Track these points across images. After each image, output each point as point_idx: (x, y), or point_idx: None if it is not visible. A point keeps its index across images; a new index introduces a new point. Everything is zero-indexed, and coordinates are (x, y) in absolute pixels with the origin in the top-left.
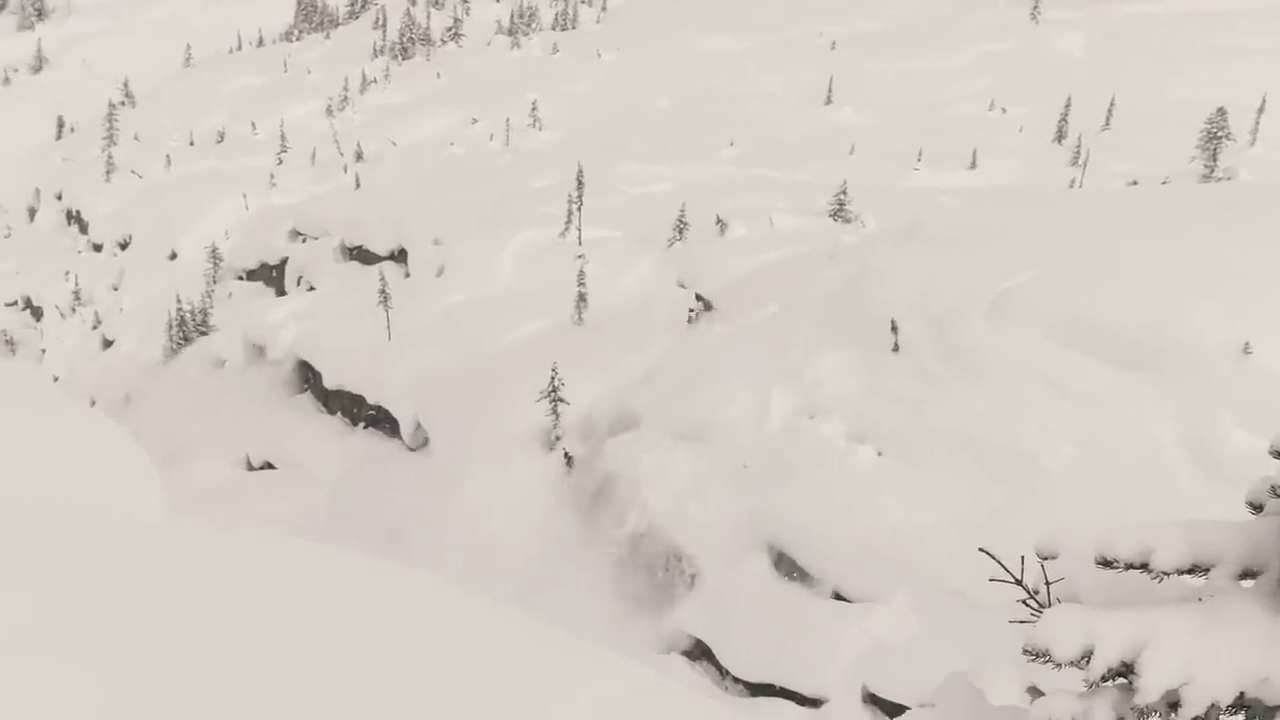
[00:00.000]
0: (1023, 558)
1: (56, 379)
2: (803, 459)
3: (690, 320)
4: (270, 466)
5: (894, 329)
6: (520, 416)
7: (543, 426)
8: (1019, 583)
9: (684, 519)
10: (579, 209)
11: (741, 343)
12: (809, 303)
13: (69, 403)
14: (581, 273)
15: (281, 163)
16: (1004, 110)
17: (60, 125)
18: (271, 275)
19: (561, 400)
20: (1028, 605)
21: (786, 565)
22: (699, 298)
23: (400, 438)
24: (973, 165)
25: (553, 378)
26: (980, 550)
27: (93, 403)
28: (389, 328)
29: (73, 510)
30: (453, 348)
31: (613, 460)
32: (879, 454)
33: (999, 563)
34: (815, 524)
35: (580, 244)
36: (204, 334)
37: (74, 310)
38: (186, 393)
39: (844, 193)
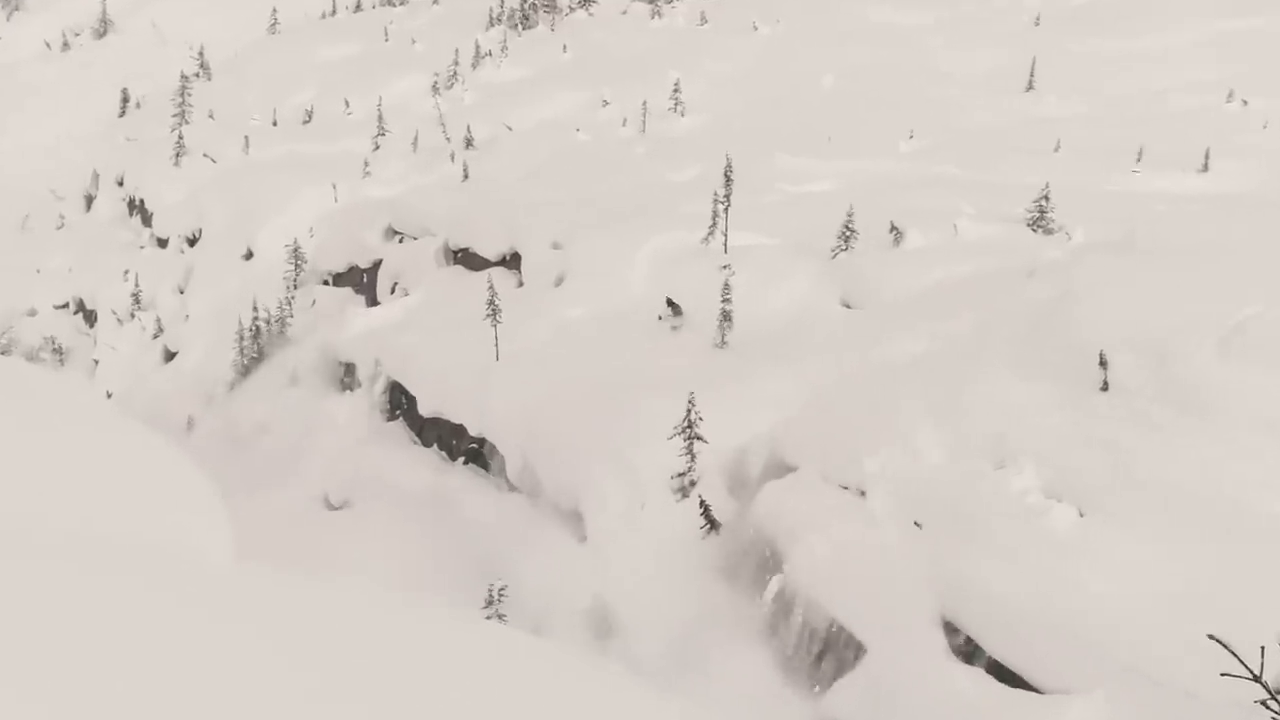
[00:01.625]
0: (1262, 648)
1: (110, 395)
2: (987, 517)
3: (854, 345)
4: (353, 505)
5: (1103, 363)
6: (649, 456)
7: (676, 469)
8: (1258, 679)
9: (846, 585)
10: (726, 209)
11: (917, 374)
12: (1000, 328)
13: (124, 422)
14: (727, 285)
15: (378, 148)
16: (1245, 102)
17: (125, 99)
18: (362, 280)
19: (699, 438)
20: (1269, 708)
21: (964, 644)
22: (866, 319)
23: (505, 476)
24: (1204, 168)
25: (689, 410)
26: (1209, 637)
27: (151, 424)
28: (497, 346)
29: (127, 545)
30: (570, 371)
31: (761, 512)
32: (1080, 514)
33: (1232, 653)
34: (1000, 596)
35: (726, 251)
36: (281, 346)
37: (133, 316)
38: (259, 416)
39: (1045, 197)
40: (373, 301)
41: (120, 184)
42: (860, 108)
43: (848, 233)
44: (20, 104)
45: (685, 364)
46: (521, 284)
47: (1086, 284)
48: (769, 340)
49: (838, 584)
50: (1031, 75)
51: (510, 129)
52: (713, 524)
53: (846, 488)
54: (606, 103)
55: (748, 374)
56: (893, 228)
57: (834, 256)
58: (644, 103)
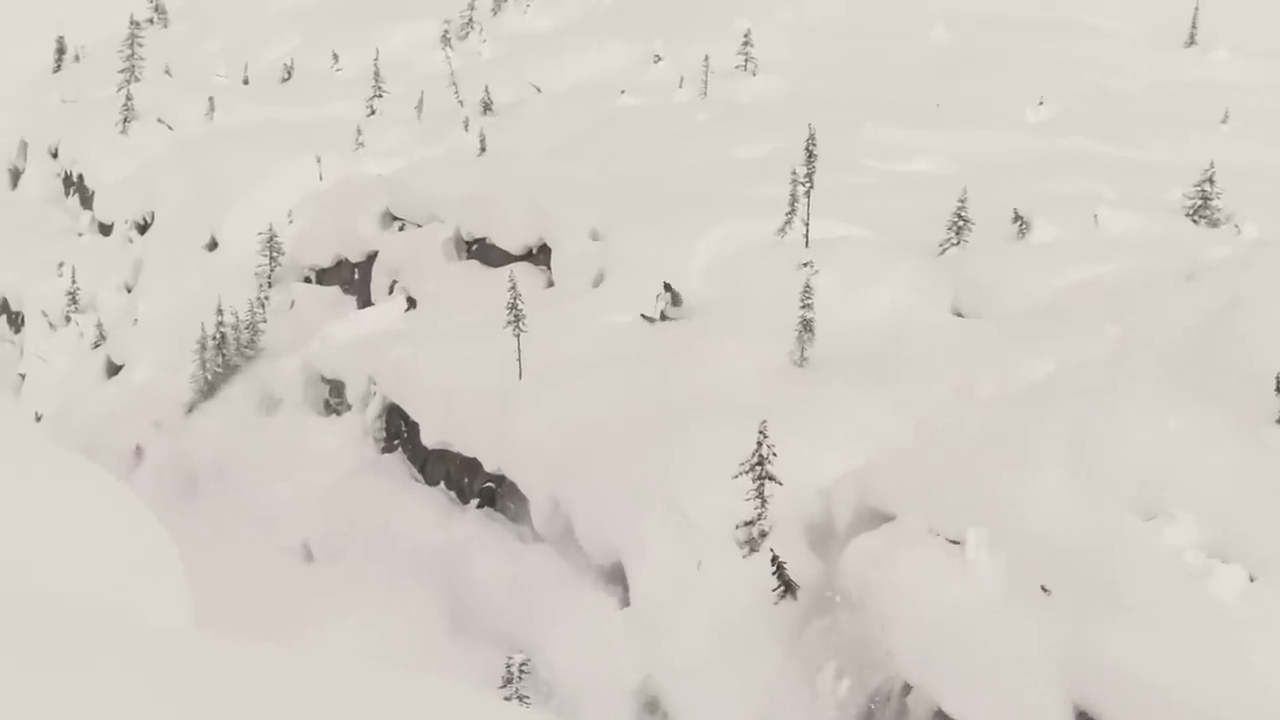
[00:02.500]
0: None
1: (39, 418)
2: (1132, 580)
3: (967, 365)
4: (338, 557)
5: None
6: (708, 501)
7: (742, 516)
8: None
9: (955, 666)
10: (807, 192)
11: (1046, 401)
12: (1150, 344)
13: (59, 454)
14: (808, 288)
15: (374, 112)
16: None
17: (60, 50)
18: (352, 277)
19: (771, 478)
20: None
21: None
22: (982, 331)
23: (529, 524)
24: None
25: (759, 443)
26: None
27: (91, 455)
28: (520, 361)
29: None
30: (612, 394)
31: (849, 572)
32: (1251, 578)
33: None
34: (1149, 678)
35: (807, 245)
36: (251, 358)
37: (68, 319)
38: (223, 446)
39: (1209, 180)
40: (365, 304)
41: (54, 155)
42: (977, 67)
43: (959, 223)
44: None
45: (755, 386)
46: (551, 283)
47: (1260, 292)
48: (859, 357)
49: (945, 664)
50: (1194, 27)
51: (539, 90)
52: (788, 586)
53: (957, 542)
54: (658, 58)
55: (833, 399)
56: (1016, 217)
57: (942, 252)
58: (705, 59)
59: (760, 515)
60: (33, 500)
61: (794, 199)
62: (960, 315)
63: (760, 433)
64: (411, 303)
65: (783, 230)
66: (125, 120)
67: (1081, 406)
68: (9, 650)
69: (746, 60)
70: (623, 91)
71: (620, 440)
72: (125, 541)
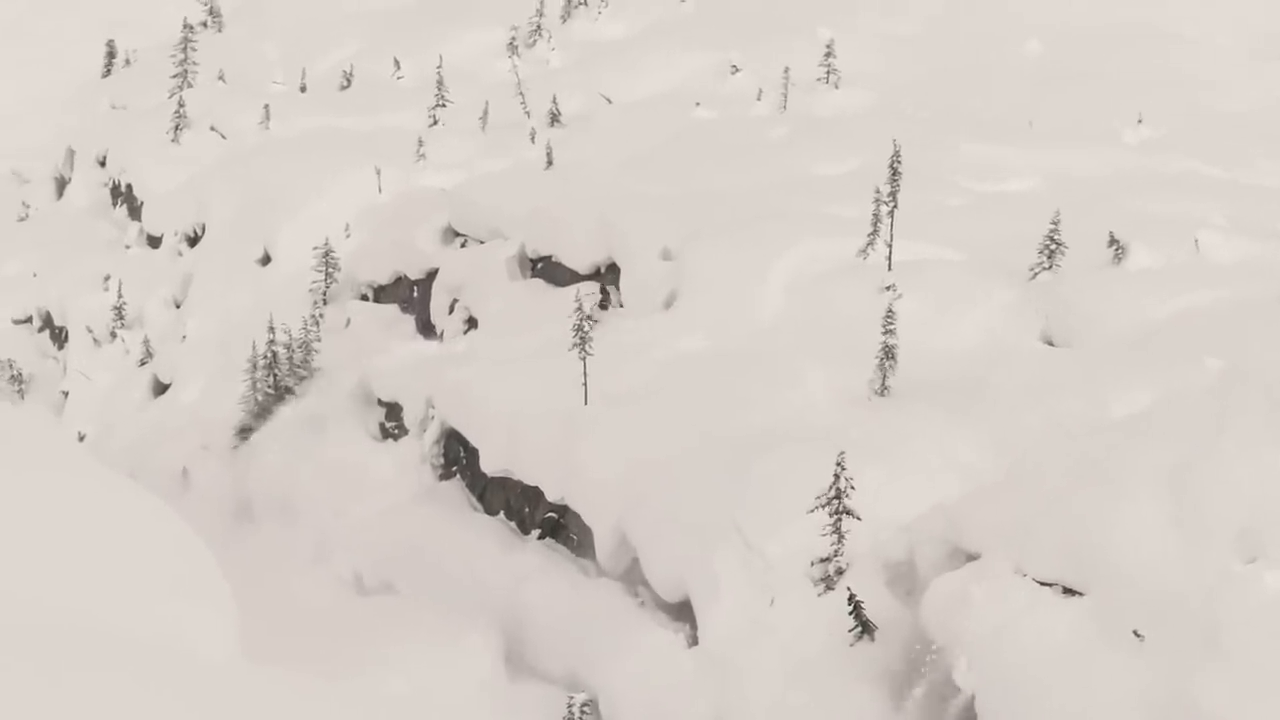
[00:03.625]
0: None
1: (83, 437)
2: (1234, 625)
3: (1060, 396)
4: (393, 589)
5: None
6: (782, 535)
7: (818, 553)
8: None
9: (1043, 713)
10: (891, 212)
11: (1144, 434)
12: (1255, 377)
13: (106, 476)
14: (891, 312)
15: (436, 122)
16: None
17: (110, 54)
18: (411, 295)
19: (849, 513)
20: None
21: None
22: (1076, 361)
23: (593, 557)
24: None
25: (837, 475)
26: None
27: (135, 477)
28: (586, 385)
29: (113, 637)
30: (682, 421)
31: (931, 614)
32: None
33: None
34: None
35: (890, 268)
36: (305, 379)
37: (114, 335)
38: (275, 471)
39: None
40: (425, 324)
41: (102, 164)
42: (1073, 82)
43: (1052, 246)
44: None
45: (833, 414)
46: (621, 304)
47: None
48: (944, 386)
49: (1031, 714)
50: None
51: (610, 101)
52: (866, 627)
53: (1047, 584)
54: (736, 69)
55: (916, 430)
56: (1113, 241)
57: (1033, 277)
58: (786, 70)
59: (837, 551)
60: (79, 525)
61: (877, 218)
62: (1051, 344)
63: (838, 464)
64: (472, 323)
65: (865, 251)
66: (176, 128)
67: (1180, 442)
68: (61, 682)
69: (829, 72)
70: (698, 103)
71: (691, 470)
72: (174, 570)
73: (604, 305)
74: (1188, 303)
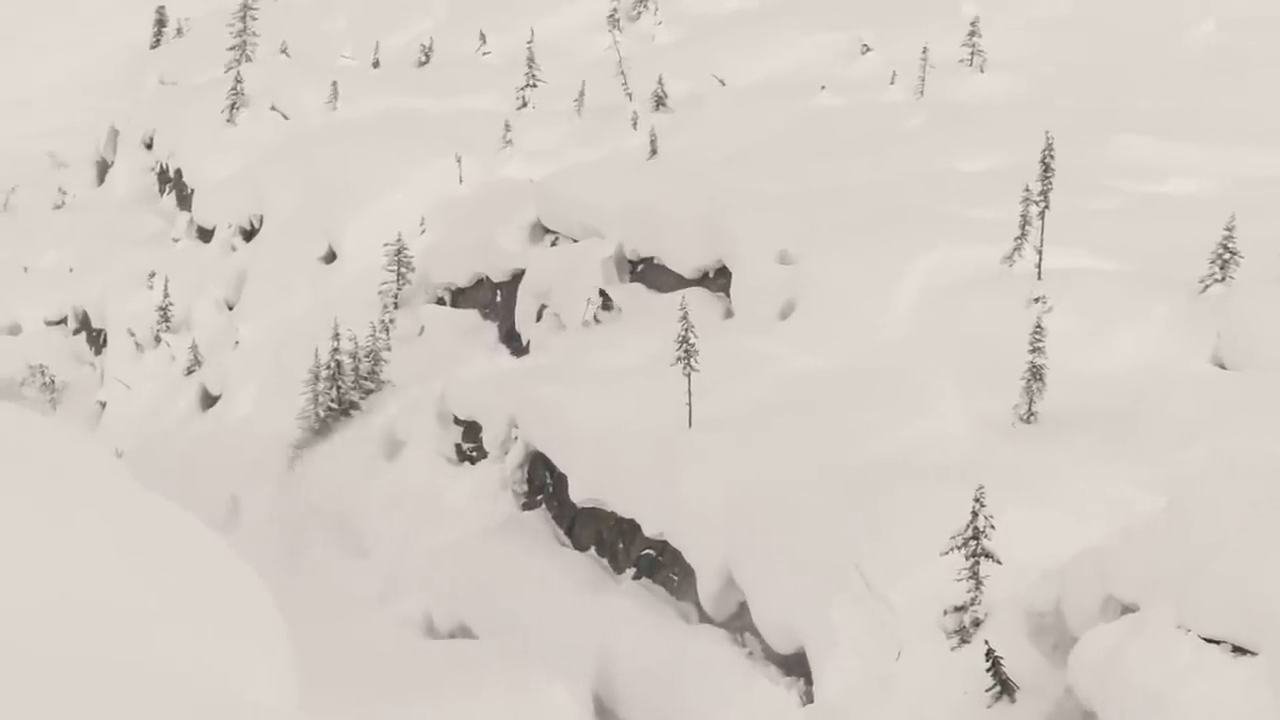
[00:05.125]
0: None
1: (120, 454)
2: None
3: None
4: (468, 632)
5: None
6: (911, 580)
7: (951, 600)
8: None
9: None
10: (1041, 214)
11: None
12: None
13: (149, 500)
14: (1039, 328)
15: (526, 104)
16: None
17: (160, 23)
18: (494, 300)
19: (988, 555)
20: None
21: None
22: (1252, 387)
23: (695, 600)
24: None
25: (975, 514)
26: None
27: (181, 501)
28: (690, 405)
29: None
30: (798, 449)
31: (1082, 672)
32: None
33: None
34: None
35: (1040, 276)
36: (372, 393)
37: (158, 339)
38: (337, 495)
39: None
40: (509, 332)
41: (148, 146)
42: (1253, 71)
43: (1226, 256)
44: (8, 31)
45: (972, 444)
46: (730, 313)
47: None
48: (1100, 413)
49: None
50: None
51: (723, 83)
52: (1006, 687)
53: (1214, 641)
54: (867, 48)
55: (1065, 463)
56: None
57: (1203, 290)
58: (923, 50)
59: (974, 600)
60: (117, 555)
61: (1025, 221)
62: (1223, 366)
63: (976, 500)
64: (562, 331)
65: (1010, 258)
66: (233, 107)
67: None
68: None
69: (973, 54)
70: (823, 87)
71: (808, 504)
72: (223, 607)
73: (716, 314)
74: None
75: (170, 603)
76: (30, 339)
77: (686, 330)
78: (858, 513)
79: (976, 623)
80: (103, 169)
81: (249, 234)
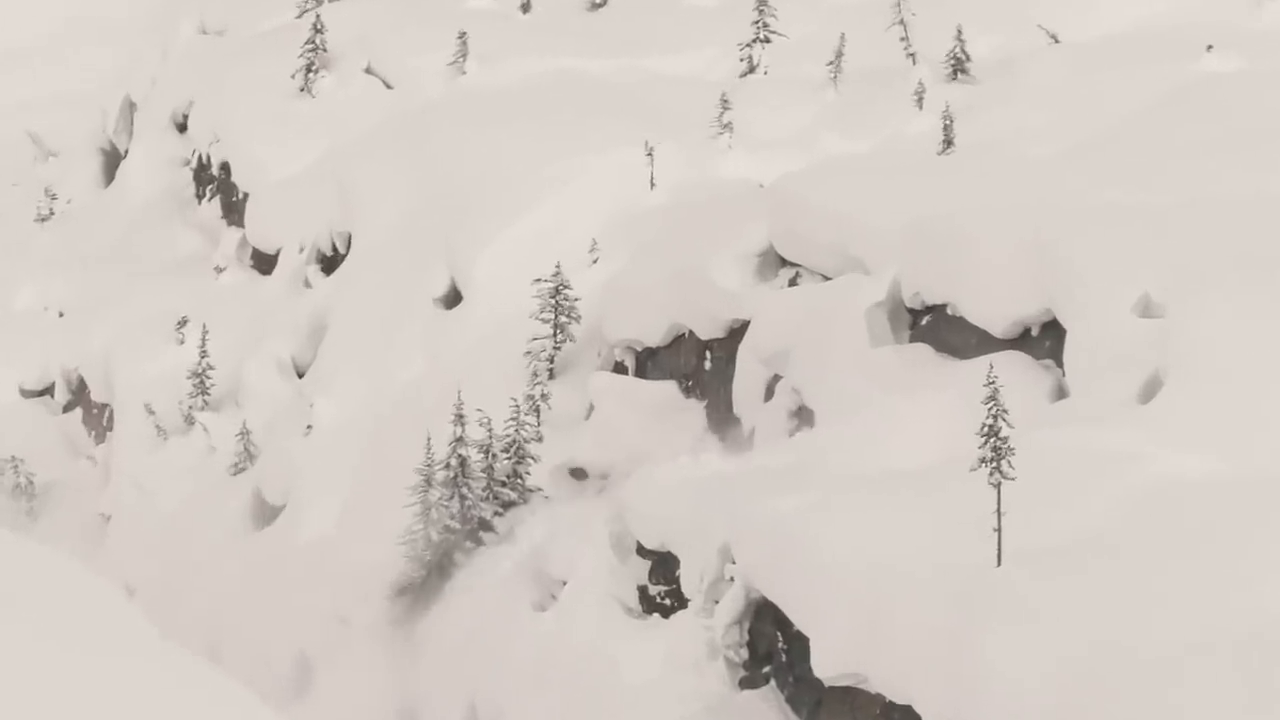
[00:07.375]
0: None
1: (134, 591)
2: None
3: None
4: None
5: None
6: None
7: None
8: None
9: None
10: None
11: None
12: None
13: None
14: None
15: (753, 69)
16: None
17: None
18: (700, 366)
19: None
20: None
21: None
22: None
23: None
24: None
25: None
26: None
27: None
28: (1000, 531)
29: None
30: (1163, 599)
31: None
32: None
33: None
34: None
35: None
36: (515, 504)
37: (191, 421)
38: (462, 662)
39: None
40: (723, 416)
41: (181, 128)
42: None
43: None
44: None
45: None
46: (1063, 391)
47: None
48: None
49: None
50: None
51: (1054, 39)
52: None
53: None
54: None
55: None
56: None
57: None
58: None
59: None
60: None
61: None
62: None
63: None
64: (805, 416)
65: None
66: (309, 69)
67: None
68: None
69: None
70: (1210, 46)
71: (1175, 688)
72: None
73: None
74: None
75: None
76: (2, 416)
77: (996, 415)
78: (1252, 702)
79: None
80: (111, 161)
81: (330, 262)
